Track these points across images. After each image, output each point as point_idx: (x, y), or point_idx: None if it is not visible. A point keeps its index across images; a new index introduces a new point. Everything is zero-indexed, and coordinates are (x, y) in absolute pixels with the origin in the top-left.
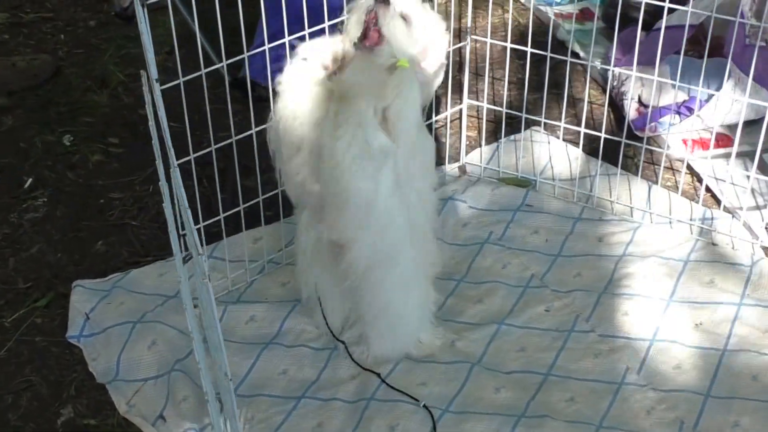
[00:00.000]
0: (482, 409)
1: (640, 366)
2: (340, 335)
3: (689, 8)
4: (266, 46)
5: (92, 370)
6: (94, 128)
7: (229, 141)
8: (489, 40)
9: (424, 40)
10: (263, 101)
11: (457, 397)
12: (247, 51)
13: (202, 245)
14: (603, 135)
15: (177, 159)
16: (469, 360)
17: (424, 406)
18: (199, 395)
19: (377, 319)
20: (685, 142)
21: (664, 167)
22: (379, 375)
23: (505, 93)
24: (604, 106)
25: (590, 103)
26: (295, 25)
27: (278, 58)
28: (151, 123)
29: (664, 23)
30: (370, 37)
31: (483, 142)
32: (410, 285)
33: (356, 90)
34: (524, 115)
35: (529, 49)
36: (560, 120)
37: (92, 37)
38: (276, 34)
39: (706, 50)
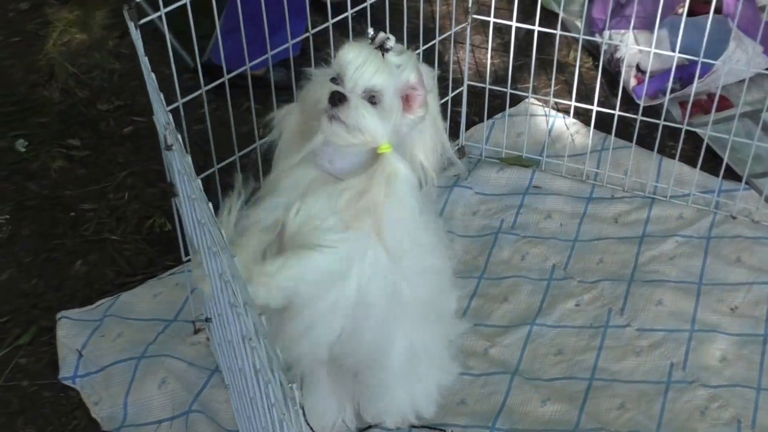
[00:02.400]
0: (530, 425)
1: (684, 360)
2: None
3: None
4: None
5: (95, 416)
6: (49, 129)
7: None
8: (492, 19)
9: (402, 90)
10: (238, 88)
11: (502, 412)
12: (216, 34)
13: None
14: (617, 112)
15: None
16: (506, 369)
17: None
18: None
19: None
20: (684, 106)
21: (667, 135)
22: None
23: (488, 65)
24: (598, 75)
25: (580, 69)
26: (260, 11)
27: (249, 43)
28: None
29: None
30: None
31: (485, 120)
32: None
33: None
34: (529, 94)
35: (514, 24)
36: (552, 91)
37: (27, 23)
38: (245, 18)
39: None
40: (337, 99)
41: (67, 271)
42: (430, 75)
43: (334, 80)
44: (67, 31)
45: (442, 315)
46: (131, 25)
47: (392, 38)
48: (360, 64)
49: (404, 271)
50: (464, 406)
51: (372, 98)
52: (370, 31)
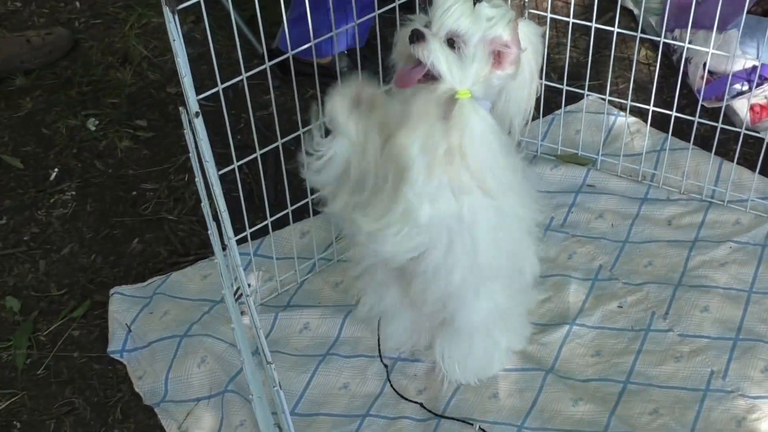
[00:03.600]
0: (560, 425)
1: (725, 369)
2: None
3: None
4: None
5: (138, 390)
6: (119, 110)
7: (275, 144)
8: (549, 15)
9: (492, 44)
10: (303, 76)
11: (533, 410)
12: (285, 22)
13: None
14: (674, 113)
15: (215, 150)
16: (541, 367)
17: (480, 428)
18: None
19: (449, 339)
20: (753, 109)
21: (733, 140)
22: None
23: (566, 64)
24: (670, 73)
25: (650, 68)
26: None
27: (316, 30)
28: (193, 155)
29: None
30: (404, 78)
31: (541, 115)
32: (489, 304)
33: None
34: (586, 90)
35: (594, 24)
36: (617, 90)
37: (109, 6)
38: (315, 4)
39: None
40: (415, 37)
41: (125, 249)
42: (534, 33)
43: (426, 26)
44: (145, 15)
45: (522, 276)
46: (166, 11)
47: None
48: (447, 7)
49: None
50: (495, 401)
51: (452, 42)
52: None
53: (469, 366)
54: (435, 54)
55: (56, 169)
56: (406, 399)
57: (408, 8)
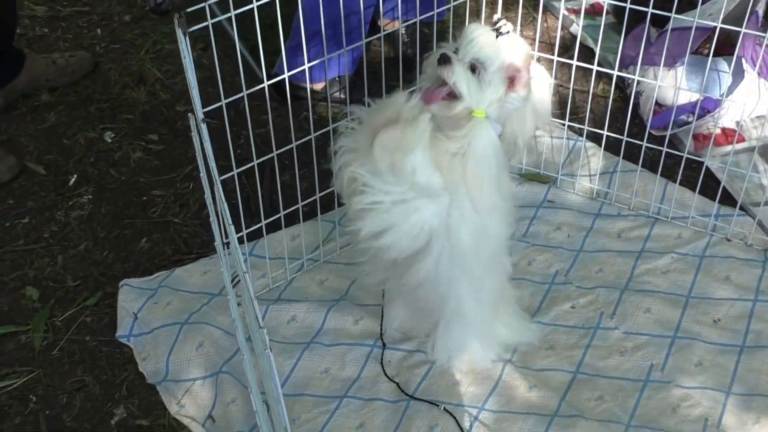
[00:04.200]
0: (516, 408)
1: (663, 363)
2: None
3: (695, 18)
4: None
5: (142, 370)
6: (133, 125)
7: (270, 156)
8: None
9: (507, 71)
10: (298, 99)
11: (492, 395)
12: (283, 51)
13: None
14: (625, 139)
15: (218, 162)
16: (501, 358)
17: (445, 409)
18: (247, 397)
19: (435, 329)
20: (697, 138)
21: (677, 164)
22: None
23: None
24: (623, 104)
25: (606, 99)
26: (329, 29)
27: (313, 59)
28: (199, 155)
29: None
30: (430, 95)
31: None
32: (472, 299)
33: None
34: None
35: (555, 58)
36: (577, 118)
37: (128, 33)
38: (311, 35)
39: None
40: (443, 60)
41: (134, 247)
42: (542, 74)
43: (454, 52)
44: (159, 42)
45: (501, 276)
46: (179, 32)
47: (510, 26)
48: (473, 38)
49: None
50: (459, 386)
51: (474, 67)
52: (497, 16)
53: (464, 357)
54: (458, 76)
55: (75, 176)
56: (387, 377)
57: (392, 40)
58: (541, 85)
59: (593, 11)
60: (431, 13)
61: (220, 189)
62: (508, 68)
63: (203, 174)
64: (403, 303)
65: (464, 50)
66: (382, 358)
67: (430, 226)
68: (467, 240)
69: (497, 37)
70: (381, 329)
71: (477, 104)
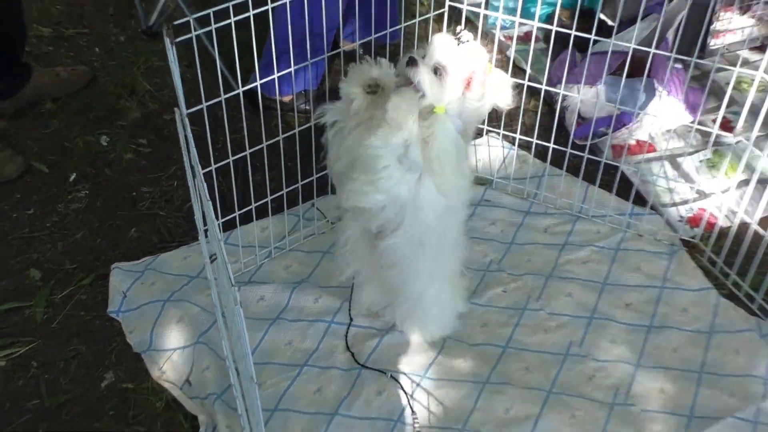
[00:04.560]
0: (454, 376)
1: (581, 340)
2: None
3: (612, 41)
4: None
5: (129, 341)
6: (126, 130)
7: (243, 154)
8: None
9: (466, 73)
10: (269, 110)
11: (433, 365)
12: (257, 67)
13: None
14: (551, 145)
15: (199, 163)
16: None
17: (392, 376)
18: (219, 365)
19: (407, 305)
20: (615, 147)
21: (601, 170)
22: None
23: None
24: (550, 118)
25: (536, 113)
26: (296, 47)
27: (280, 76)
28: (184, 148)
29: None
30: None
31: None
32: (437, 277)
33: (402, 111)
34: (485, 126)
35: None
36: (511, 128)
37: (122, 51)
38: (281, 54)
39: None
40: (410, 62)
41: (124, 236)
42: (502, 78)
43: (423, 57)
44: (150, 59)
45: (459, 256)
46: (167, 41)
47: (469, 35)
48: (437, 45)
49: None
50: (404, 356)
51: (437, 70)
52: (460, 27)
53: (427, 327)
54: (422, 77)
55: (74, 174)
56: (348, 347)
57: (352, 58)
58: (500, 86)
59: (526, 38)
60: (384, 33)
61: (200, 171)
62: (466, 72)
63: (187, 161)
64: (374, 286)
65: (429, 55)
66: (347, 332)
67: (404, 198)
68: (431, 217)
69: (458, 44)
70: (350, 307)
71: (438, 101)
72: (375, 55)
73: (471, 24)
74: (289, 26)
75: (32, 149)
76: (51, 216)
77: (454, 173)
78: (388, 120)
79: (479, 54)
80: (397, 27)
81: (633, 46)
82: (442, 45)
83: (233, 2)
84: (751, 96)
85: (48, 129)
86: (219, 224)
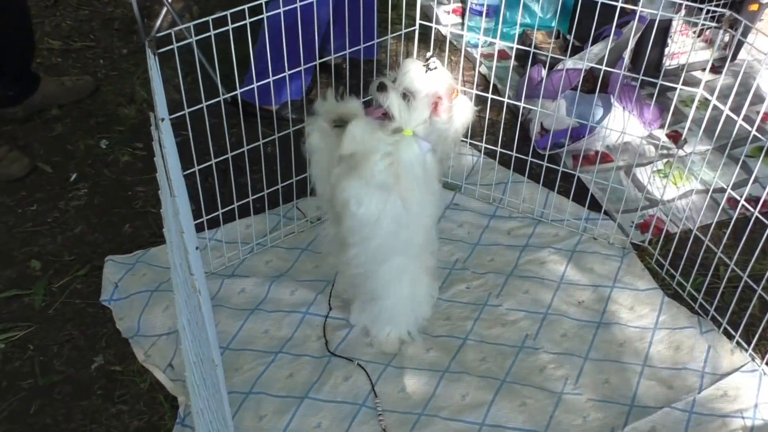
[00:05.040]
0: (416, 365)
1: (536, 333)
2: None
3: (574, 60)
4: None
5: (119, 327)
6: (124, 135)
7: (225, 157)
8: None
9: (432, 98)
10: (253, 117)
11: (397, 355)
12: (242, 79)
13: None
14: (514, 154)
15: (185, 166)
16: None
17: (358, 364)
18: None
19: (372, 303)
20: (576, 157)
21: (560, 178)
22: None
23: None
24: (515, 129)
25: (504, 126)
26: (278, 62)
27: (267, 85)
28: (157, 151)
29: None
30: (374, 114)
31: None
32: (401, 281)
33: (364, 142)
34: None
35: (459, 88)
36: (481, 139)
37: (124, 62)
38: (265, 67)
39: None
40: (380, 87)
41: (119, 231)
42: (466, 106)
43: (393, 81)
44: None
45: (428, 265)
46: (148, 52)
47: (437, 62)
48: (406, 71)
49: (410, 218)
50: (370, 348)
51: (406, 96)
52: (428, 53)
53: (382, 327)
54: (392, 101)
55: (75, 174)
56: (325, 337)
57: (338, 73)
58: (463, 111)
59: (499, 56)
60: (358, 48)
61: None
62: (433, 96)
63: (160, 164)
64: (345, 275)
65: (399, 80)
66: (325, 321)
67: (374, 214)
68: (393, 229)
69: (426, 71)
70: (330, 297)
71: (406, 124)
72: (362, 65)
73: (443, 43)
74: (267, 41)
75: (38, 151)
76: (53, 212)
77: (419, 189)
78: (342, 149)
79: (445, 80)
80: (371, 43)
81: (587, 64)
82: (410, 70)
83: (212, 17)
84: (692, 113)
85: (53, 133)
86: (204, 221)
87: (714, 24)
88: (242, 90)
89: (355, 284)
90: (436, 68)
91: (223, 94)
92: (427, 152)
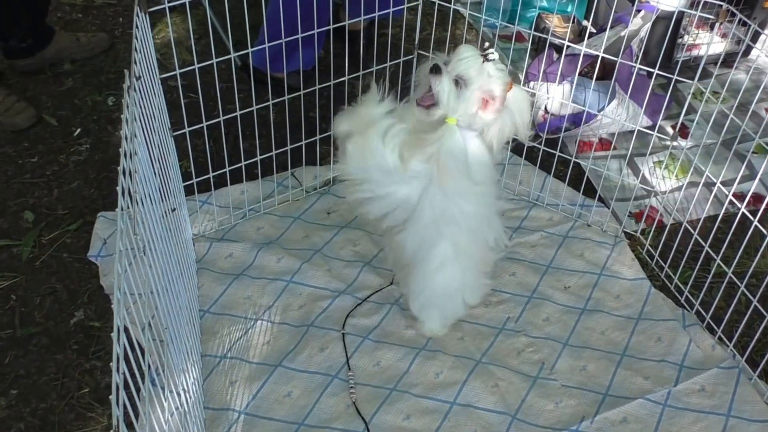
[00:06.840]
0: (393, 341)
1: (518, 316)
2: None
3: (583, 47)
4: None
5: (102, 284)
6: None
7: (234, 114)
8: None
9: (484, 93)
10: (262, 83)
11: (376, 329)
12: (253, 44)
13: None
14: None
15: (191, 125)
16: (388, 301)
17: (343, 335)
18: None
19: (413, 287)
20: (580, 143)
21: (557, 162)
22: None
23: None
24: None
25: None
26: (289, 28)
27: (276, 52)
28: (125, 117)
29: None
30: (424, 100)
31: None
32: (445, 268)
33: (356, 159)
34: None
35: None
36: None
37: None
38: (275, 33)
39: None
40: (434, 69)
41: (115, 188)
42: (522, 97)
43: (445, 64)
44: (163, 30)
45: (486, 244)
46: (136, 9)
47: (496, 55)
48: (462, 57)
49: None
50: (352, 318)
51: (458, 82)
52: (487, 44)
53: (426, 307)
54: (442, 86)
55: (79, 129)
56: (319, 320)
57: (351, 40)
58: (521, 104)
59: (517, 38)
60: (386, 12)
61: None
62: (485, 91)
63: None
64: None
65: (453, 65)
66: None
67: (411, 203)
68: (429, 215)
69: (483, 62)
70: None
71: (452, 112)
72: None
73: (461, 18)
74: (281, 7)
75: (45, 104)
76: (52, 165)
77: (462, 179)
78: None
79: (502, 75)
80: (401, 7)
81: (584, 49)
82: (468, 58)
83: None
84: (701, 107)
85: (62, 87)
86: (193, 183)
87: (713, 17)
88: (243, 53)
89: (406, 273)
90: (494, 60)
91: (233, 57)
92: (471, 140)
